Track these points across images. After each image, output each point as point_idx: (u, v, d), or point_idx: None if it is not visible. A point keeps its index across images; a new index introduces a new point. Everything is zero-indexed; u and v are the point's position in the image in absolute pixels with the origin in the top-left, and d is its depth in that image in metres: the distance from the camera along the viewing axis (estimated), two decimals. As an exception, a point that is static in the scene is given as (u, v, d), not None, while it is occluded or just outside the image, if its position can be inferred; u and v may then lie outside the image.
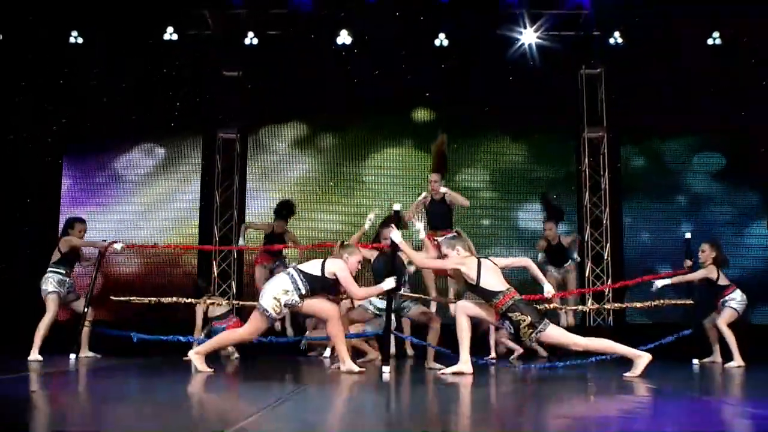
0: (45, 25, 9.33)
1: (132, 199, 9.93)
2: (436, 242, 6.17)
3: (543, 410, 3.25)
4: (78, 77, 9.80)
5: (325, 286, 4.88)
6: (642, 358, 4.66)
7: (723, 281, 6.59)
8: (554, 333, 4.72)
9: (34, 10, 9.06)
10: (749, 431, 2.46)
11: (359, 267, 5.16)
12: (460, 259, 4.90)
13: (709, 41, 9.53)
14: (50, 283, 6.26)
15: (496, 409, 3.28)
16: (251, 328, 4.94)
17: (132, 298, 6.82)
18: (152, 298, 6.67)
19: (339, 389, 4.13)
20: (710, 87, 9.51)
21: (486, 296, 4.78)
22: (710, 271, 6.61)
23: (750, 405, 3.34)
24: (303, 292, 4.79)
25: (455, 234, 5.33)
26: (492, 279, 4.76)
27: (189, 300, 6.70)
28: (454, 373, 4.83)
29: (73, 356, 6.21)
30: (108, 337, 6.68)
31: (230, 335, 5.31)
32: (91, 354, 6.50)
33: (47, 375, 5.01)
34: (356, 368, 4.99)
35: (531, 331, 4.64)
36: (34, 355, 5.97)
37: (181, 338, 6.39)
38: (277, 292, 4.79)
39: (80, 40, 9.54)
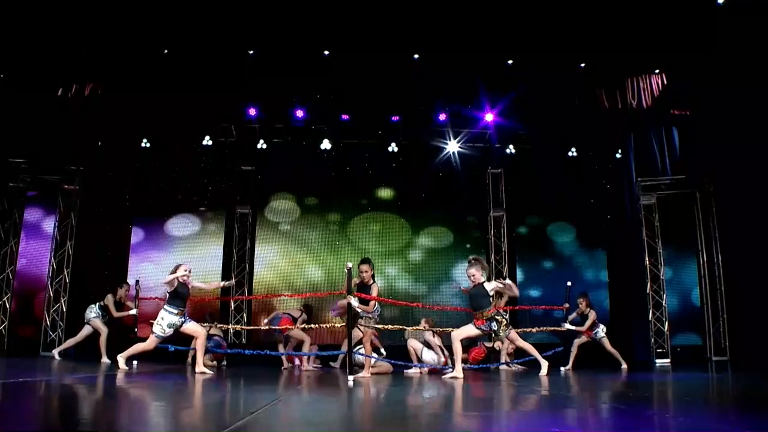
0: (124, 135, 12.75)
1: (177, 253, 13.01)
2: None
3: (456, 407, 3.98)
4: (145, 169, 12.98)
5: None
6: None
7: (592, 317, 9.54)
8: (513, 335, 7.36)
9: (119, 126, 12.48)
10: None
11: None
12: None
13: (569, 153, 13.55)
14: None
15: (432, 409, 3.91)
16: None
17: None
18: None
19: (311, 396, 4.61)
20: (565, 184, 13.22)
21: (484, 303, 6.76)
22: (593, 315, 9.41)
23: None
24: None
25: (473, 260, 6.83)
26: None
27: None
28: (450, 378, 6.38)
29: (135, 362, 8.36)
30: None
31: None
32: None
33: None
34: (208, 371, 6.03)
35: (507, 329, 6.81)
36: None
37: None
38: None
39: (148, 145, 13.02)
